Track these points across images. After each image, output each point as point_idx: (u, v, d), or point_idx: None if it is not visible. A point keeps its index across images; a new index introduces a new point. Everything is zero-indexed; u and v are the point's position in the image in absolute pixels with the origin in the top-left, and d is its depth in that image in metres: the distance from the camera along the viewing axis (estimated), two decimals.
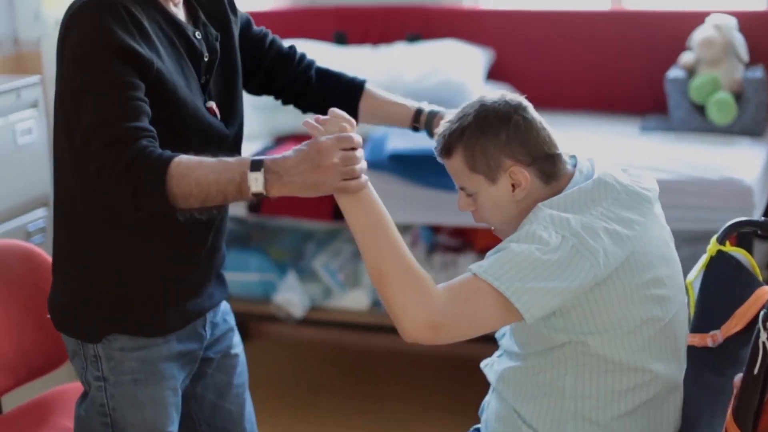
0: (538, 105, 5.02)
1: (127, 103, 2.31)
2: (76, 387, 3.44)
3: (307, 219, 4.78)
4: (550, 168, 2.48)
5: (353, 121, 2.33)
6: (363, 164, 2.29)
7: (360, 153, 2.29)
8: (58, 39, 2.43)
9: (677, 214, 4.11)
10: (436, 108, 2.91)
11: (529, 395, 2.50)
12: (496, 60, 5.12)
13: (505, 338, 2.62)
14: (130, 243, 2.53)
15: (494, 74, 5.10)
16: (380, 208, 2.35)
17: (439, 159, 2.51)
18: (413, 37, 5.15)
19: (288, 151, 2.27)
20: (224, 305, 2.88)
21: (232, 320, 2.92)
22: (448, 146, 2.47)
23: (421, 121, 2.91)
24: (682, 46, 4.77)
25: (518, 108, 2.49)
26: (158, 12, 2.49)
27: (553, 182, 2.49)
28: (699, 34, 4.62)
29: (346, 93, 2.94)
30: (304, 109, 2.98)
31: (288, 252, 5.02)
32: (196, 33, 2.56)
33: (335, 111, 2.34)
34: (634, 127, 4.76)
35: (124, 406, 2.62)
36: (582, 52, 5.04)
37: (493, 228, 2.54)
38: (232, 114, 2.66)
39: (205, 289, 2.74)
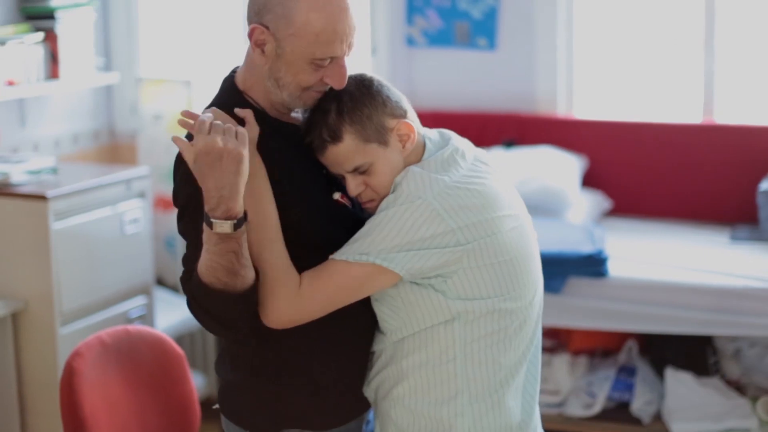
0: (630, 212, 5.17)
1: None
2: None
3: None
4: (415, 117, 2.63)
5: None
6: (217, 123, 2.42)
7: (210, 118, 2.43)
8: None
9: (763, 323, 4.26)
10: None
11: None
12: (590, 167, 5.24)
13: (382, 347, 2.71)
14: (300, 342, 2.64)
15: (588, 181, 5.24)
16: (268, 207, 2.52)
17: (320, 154, 2.58)
18: (509, 143, 5.30)
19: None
20: None
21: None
22: (333, 132, 2.54)
23: None
24: None
25: (364, 76, 2.61)
26: (271, 125, 2.61)
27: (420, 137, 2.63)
28: None
29: None
30: None
31: None
32: None
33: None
34: (724, 236, 4.88)
35: None
36: (673, 162, 5.17)
37: (376, 202, 2.60)
38: None
39: (361, 383, 2.81)
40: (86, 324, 4.31)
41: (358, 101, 2.55)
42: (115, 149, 5.83)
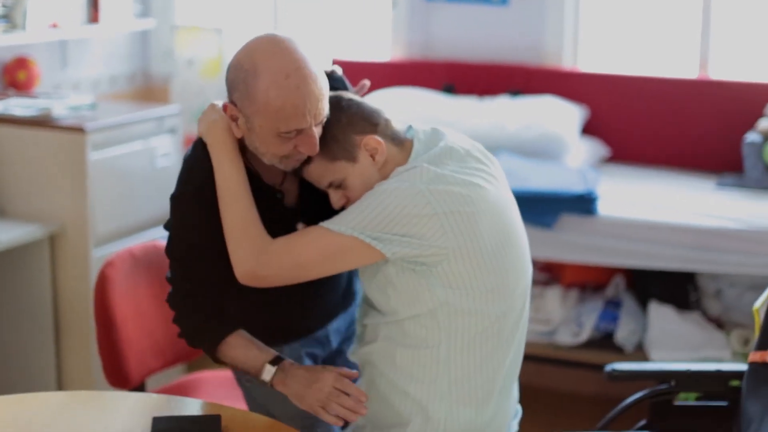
0: (626, 159, 5.41)
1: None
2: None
3: None
4: (391, 131, 2.71)
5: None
6: (348, 409, 2.63)
7: (350, 401, 2.62)
8: None
9: (746, 260, 4.49)
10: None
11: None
12: (591, 117, 5.46)
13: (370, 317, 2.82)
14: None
15: (588, 130, 5.47)
16: (243, 177, 2.67)
17: (302, 174, 2.72)
18: (515, 92, 5.51)
19: (303, 370, 2.68)
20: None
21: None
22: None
23: None
24: (759, 113, 5.12)
25: (340, 96, 2.71)
26: (254, 184, 2.75)
27: (400, 144, 2.71)
28: None
29: None
30: None
31: None
32: None
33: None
34: (712, 183, 5.10)
35: (271, 401, 2.91)
36: (668, 114, 5.38)
37: None
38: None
39: (318, 306, 2.99)
40: (118, 248, 4.45)
41: (323, 123, 2.64)
42: (149, 91, 6.06)
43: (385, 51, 6.00)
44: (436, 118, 5.15)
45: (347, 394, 2.64)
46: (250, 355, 2.73)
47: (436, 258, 2.60)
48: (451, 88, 5.65)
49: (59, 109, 4.64)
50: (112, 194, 4.63)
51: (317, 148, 2.63)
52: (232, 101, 2.65)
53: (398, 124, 2.77)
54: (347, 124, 2.68)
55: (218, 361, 2.80)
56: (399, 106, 5.20)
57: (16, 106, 4.69)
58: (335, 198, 2.74)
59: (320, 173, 2.70)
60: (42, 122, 4.55)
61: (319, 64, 2.63)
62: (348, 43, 6.16)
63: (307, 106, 2.57)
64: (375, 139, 2.67)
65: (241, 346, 2.75)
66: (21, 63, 5.07)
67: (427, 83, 5.65)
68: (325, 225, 2.63)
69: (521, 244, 2.78)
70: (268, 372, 2.69)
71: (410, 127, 2.80)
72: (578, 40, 5.67)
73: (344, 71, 3.04)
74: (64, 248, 4.55)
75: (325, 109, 2.62)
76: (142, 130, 4.80)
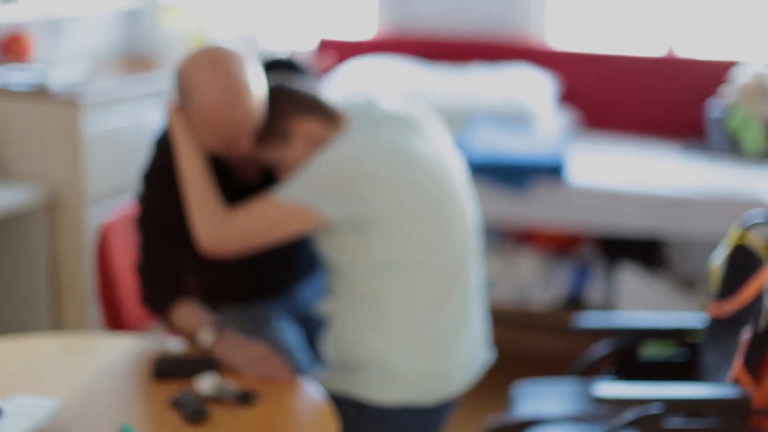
0: (597, 128, 5.49)
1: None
2: None
3: None
4: (323, 109, 2.83)
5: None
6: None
7: (272, 368, 2.74)
8: None
9: (710, 223, 4.59)
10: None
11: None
12: (563, 88, 5.59)
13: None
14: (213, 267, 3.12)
15: (560, 100, 5.60)
16: (202, 159, 2.80)
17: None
18: (490, 63, 5.61)
19: (239, 338, 2.84)
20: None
21: None
22: None
23: None
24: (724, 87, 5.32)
25: (273, 85, 2.84)
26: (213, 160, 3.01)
27: (333, 120, 2.84)
28: (738, 78, 5.11)
29: None
30: None
31: None
32: None
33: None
34: (677, 149, 5.24)
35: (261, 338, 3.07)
36: (638, 88, 5.53)
37: None
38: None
39: (285, 270, 3.17)
40: (113, 212, 4.33)
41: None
42: (135, 66, 6.12)
43: (363, 27, 6.05)
44: (412, 88, 5.22)
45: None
46: (195, 319, 2.91)
47: (379, 218, 2.73)
48: (427, 60, 5.71)
49: (55, 81, 4.68)
50: (107, 161, 4.69)
51: (249, 150, 2.83)
52: (176, 101, 2.83)
53: (334, 100, 2.91)
54: (280, 111, 2.81)
55: (171, 325, 3.00)
56: (376, 77, 5.27)
57: (13, 78, 4.74)
58: (278, 173, 2.92)
59: (259, 157, 2.88)
60: (39, 94, 4.60)
61: (259, 78, 2.75)
62: (326, 21, 6.22)
63: (240, 123, 2.72)
64: (307, 125, 2.83)
65: (190, 311, 2.93)
66: (14, 38, 5.09)
67: (403, 56, 5.72)
68: (274, 193, 2.77)
69: (461, 199, 2.90)
70: (209, 333, 2.85)
71: (347, 99, 2.94)
72: (548, 15, 5.77)
73: (323, 47, 3.14)
74: (60, 213, 4.60)
75: (258, 118, 2.76)
76: (134, 101, 4.88)
